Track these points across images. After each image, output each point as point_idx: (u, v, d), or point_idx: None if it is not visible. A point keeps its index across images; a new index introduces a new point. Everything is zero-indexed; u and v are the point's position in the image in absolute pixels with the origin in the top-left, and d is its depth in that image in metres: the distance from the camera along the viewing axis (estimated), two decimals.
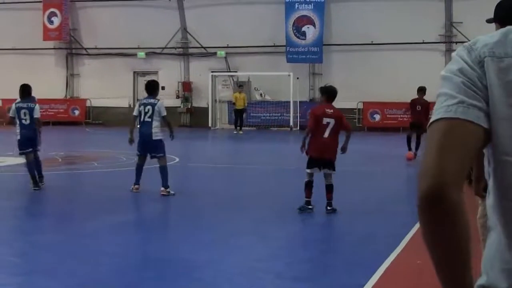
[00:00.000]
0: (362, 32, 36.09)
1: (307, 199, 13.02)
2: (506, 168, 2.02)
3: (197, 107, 40.00)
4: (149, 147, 15.22)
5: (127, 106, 40.65)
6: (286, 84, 37.08)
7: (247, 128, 36.85)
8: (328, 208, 12.91)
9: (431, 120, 2.01)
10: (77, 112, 41.65)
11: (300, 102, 37.42)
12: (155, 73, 40.25)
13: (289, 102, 37.33)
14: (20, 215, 13.45)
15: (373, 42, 36.33)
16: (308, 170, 12.98)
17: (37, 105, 16.73)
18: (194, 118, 39.98)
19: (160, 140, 15.23)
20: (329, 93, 13.34)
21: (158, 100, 15.56)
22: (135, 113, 15.57)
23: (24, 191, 16.11)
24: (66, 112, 41.48)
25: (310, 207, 12.98)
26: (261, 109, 38.40)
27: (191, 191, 16.78)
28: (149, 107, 15.22)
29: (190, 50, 40.37)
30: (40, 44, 41.48)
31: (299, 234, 11.57)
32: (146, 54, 40.42)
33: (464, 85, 2.01)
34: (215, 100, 39.82)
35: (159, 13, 39.51)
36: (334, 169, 13.03)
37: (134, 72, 41.35)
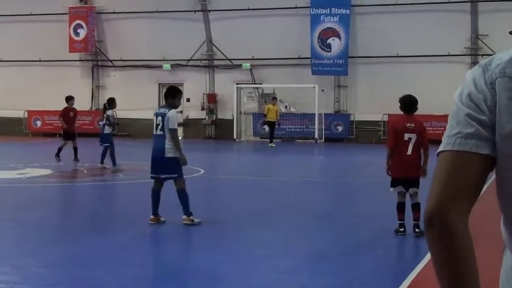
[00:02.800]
0: (387, 44, 36.00)
1: (400, 221, 11.92)
2: (510, 185, 2.12)
3: (222, 119, 40.03)
4: (161, 167, 12.90)
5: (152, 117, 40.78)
6: (311, 96, 37.02)
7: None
8: (416, 230, 11.73)
9: (439, 150, 2.15)
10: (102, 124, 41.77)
11: (325, 114, 37.36)
12: (181, 84, 40.22)
13: (314, 114, 37.25)
14: (45, 227, 13.48)
15: (399, 55, 36.22)
16: (392, 189, 11.95)
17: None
18: (219, 130, 40.01)
19: (175, 158, 12.77)
20: (407, 104, 12.12)
21: (170, 109, 13.04)
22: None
23: (49, 203, 16.18)
24: (92, 123, 41.62)
25: (402, 229, 11.87)
26: (286, 121, 38.31)
27: (216, 203, 16.79)
28: (160, 117, 12.97)
29: (215, 62, 40.44)
30: (66, 56, 41.72)
31: (324, 246, 11.51)
32: (172, 66, 40.52)
33: (468, 117, 2.11)
34: (240, 112, 39.82)
35: (184, 25, 39.63)
36: (418, 186, 11.81)
37: (159, 84, 41.46)
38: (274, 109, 35.12)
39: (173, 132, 12.85)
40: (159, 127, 12.86)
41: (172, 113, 12.92)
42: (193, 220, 12.83)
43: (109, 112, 23.22)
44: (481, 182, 2.11)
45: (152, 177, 13.17)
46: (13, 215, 14.69)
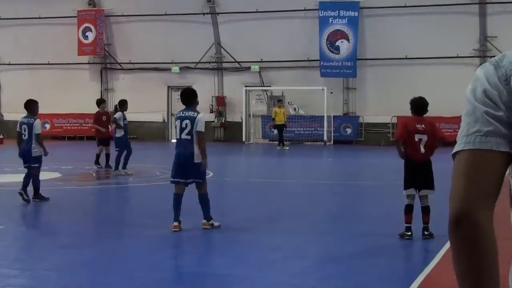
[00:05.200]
0: (396, 46, 35.96)
1: (407, 224, 11.84)
2: None
3: (231, 121, 40.04)
4: (188, 172, 12.60)
5: (161, 120, 40.87)
6: (319, 98, 36.99)
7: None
8: (425, 233, 11.72)
9: (455, 150, 2.13)
10: (111, 127, 41.81)
11: (334, 116, 37.32)
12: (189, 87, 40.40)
13: (323, 116, 37.22)
14: (54, 230, 13.51)
15: (407, 57, 36.18)
16: (405, 192, 11.91)
17: (37, 120, 16.39)
18: (228, 133, 40.02)
19: (201, 163, 12.59)
20: (418, 105, 12.18)
21: (199, 112, 12.98)
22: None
23: (58, 206, 16.19)
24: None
25: (409, 233, 11.78)
26: (295, 124, 38.29)
27: (226, 206, 16.79)
28: (187, 121, 12.69)
29: (224, 65, 40.44)
30: (75, 59, 41.80)
31: (332, 249, 11.51)
32: (180, 68, 40.56)
33: (486, 114, 2.09)
34: (249, 115, 39.81)
35: (193, 28, 39.65)
36: (433, 188, 11.85)
37: (168, 87, 41.51)
38: (282, 111, 35.11)
39: (202, 135, 12.69)
40: (186, 131, 12.58)
41: (202, 116, 12.88)
42: (212, 224, 12.75)
43: (116, 115, 22.46)
44: (502, 180, 2.10)
45: (175, 182, 12.77)
46: (22, 218, 14.73)
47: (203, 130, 12.67)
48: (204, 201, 12.73)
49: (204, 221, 12.75)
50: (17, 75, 42.85)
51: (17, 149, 16.91)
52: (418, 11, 35.79)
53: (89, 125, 41.35)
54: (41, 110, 36.95)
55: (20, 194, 16.08)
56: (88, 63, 42.82)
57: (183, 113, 12.86)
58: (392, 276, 9.76)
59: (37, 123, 16.33)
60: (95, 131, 25.00)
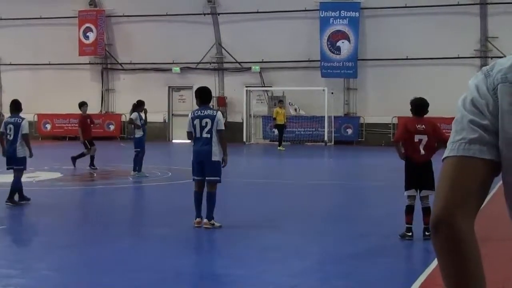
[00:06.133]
0: (396, 47, 35.97)
1: (407, 225, 11.84)
2: None
3: (232, 122, 39.99)
4: (206, 169, 12.76)
5: (162, 121, 40.86)
6: (320, 99, 36.99)
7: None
8: (426, 233, 11.61)
9: (443, 156, 2.18)
10: (112, 127, 41.85)
11: (334, 117, 37.33)
12: (190, 88, 40.35)
13: (324, 117, 37.23)
14: (55, 230, 13.51)
15: (408, 57, 36.18)
16: (406, 193, 11.90)
17: (25, 120, 15.97)
18: (229, 133, 39.57)
19: (219, 162, 12.84)
20: (418, 106, 12.18)
21: (217, 110, 13.25)
22: (188, 129, 13.06)
23: (59, 206, 16.20)
24: (101, 127, 41.66)
25: (409, 234, 11.78)
26: (296, 124, 38.30)
27: (227, 206, 16.78)
28: (207, 119, 12.73)
29: (225, 65, 40.45)
30: (76, 59, 41.82)
31: (333, 249, 11.51)
32: (181, 69, 40.57)
33: (471, 123, 2.13)
34: (250, 115, 39.82)
35: (193, 28, 39.65)
36: (434, 189, 11.35)
37: (169, 87, 41.52)
38: (282, 112, 35.14)
39: (222, 133, 12.92)
40: (206, 129, 12.68)
41: (220, 114, 13.05)
42: (213, 224, 12.76)
43: (133, 115, 22.19)
44: (486, 187, 2.13)
45: (196, 180, 12.93)
46: (23, 218, 14.74)
47: (223, 128, 12.93)
48: (211, 200, 12.78)
49: (206, 220, 12.75)
50: (18, 75, 42.87)
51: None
52: (419, 11, 35.80)
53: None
54: (42, 110, 37.08)
55: (19, 200, 15.80)
56: (89, 63, 42.84)
57: (201, 112, 12.87)
58: (393, 277, 9.76)
59: (25, 123, 15.90)
60: (84, 133, 24.37)
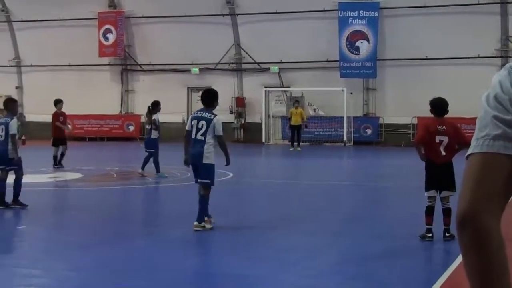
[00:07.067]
0: (416, 47, 35.88)
1: (428, 226, 11.75)
2: None
3: (251, 122, 40.05)
4: (198, 172, 12.85)
5: (181, 121, 40.88)
6: (339, 99, 36.96)
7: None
8: (446, 234, 11.61)
9: (467, 153, 2.16)
10: (131, 128, 41.98)
11: (353, 117, 37.30)
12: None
13: (343, 117, 37.19)
14: (76, 230, 13.56)
15: (427, 57, 36.08)
16: (426, 194, 11.84)
17: (13, 120, 15.49)
18: (248, 134, 40.03)
19: (211, 165, 12.76)
20: (438, 106, 12.11)
21: (215, 114, 12.98)
22: (188, 127, 13.08)
23: (79, 206, 16.26)
24: (121, 127, 41.85)
25: (430, 235, 11.70)
26: (315, 125, 38.28)
27: (245, 206, 16.80)
28: (203, 122, 12.73)
29: (244, 66, 40.48)
30: (96, 61, 42.01)
31: (352, 251, 11.48)
32: (200, 70, 40.65)
33: (495, 118, 2.12)
34: (269, 116, 39.82)
35: (212, 29, 39.71)
36: (454, 190, 11.61)
37: (188, 88, 41.60)
38: (298, 112, 35.03)
39: (222, 138, 12.88)
40: (201, 131, 12.69)
41: (218, 118, 12.94)
42: (204, 227, 12.65)
43: (155, 116, 22.15)
44: (511, 183, 2.11)
45: (196, 182, 13.00)
46: (44, 218, 14.79)
47: (222, 133, 12.82)
48: (202, 203, 12.70)
49: (196, 223, 12.63)
50: (38, 76, 43.13)
51: None
52: (438, 11, 35.68)
53: (110, 126, 41.73)
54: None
55: (17, 204, 15.49)
56: (109, 64, 43.01)
57: (200, 114, 12.97)
58: (413, 278, 9.73)
59: (13, 122, 15.38)
60: (54, 130, 24.93)
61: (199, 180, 12.81)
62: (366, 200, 18.47)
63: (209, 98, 13.32)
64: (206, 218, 12.77)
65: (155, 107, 22.44)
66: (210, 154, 12.69)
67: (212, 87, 39.54)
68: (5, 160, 15.43)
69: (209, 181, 12.76)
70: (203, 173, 12.69)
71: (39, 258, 10.92)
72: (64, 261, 10.61)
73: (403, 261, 10.73)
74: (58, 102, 25.47)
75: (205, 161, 12.61)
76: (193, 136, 12.77)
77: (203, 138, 12.65)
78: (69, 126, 24.75)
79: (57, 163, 24.14)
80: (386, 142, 37.08)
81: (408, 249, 11.50)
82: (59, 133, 24.83)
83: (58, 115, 25.20)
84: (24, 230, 13.77)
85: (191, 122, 12.91)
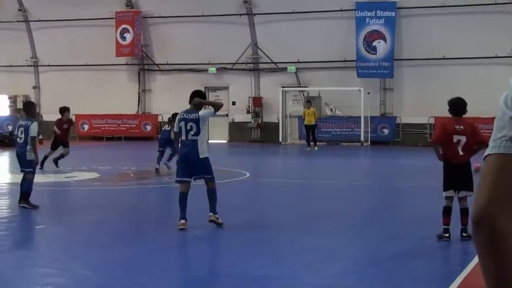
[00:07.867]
0: (433, 46, 35.76)
1: (445, 226, 11.74)
2: None
3: (268, 122, 40.02)
4: (197, 169, 12.94)
5: None
6: (356, 99, 36.88)
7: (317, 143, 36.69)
8: (464, 234, 11.57)
9: (485, 154, 2.15)
10: (149, 128, 42.03)
11: (370, 117, 37.20)
12: (226, 88, 40.53)
13: (360, 117, 37.09)
14: (93, 230, 13.59)
15: (445, 57, 35.95)
16: (444, 194, 11.81)
17: (34, 123, 15.55)
18: (265, 133, 40.01)
19: (207, 159, 13.01)
20: (456, 106, 12.04)
21: (198, 111, 13.27)
22: (176, 129, 13.57)
23: (96, 206, 16.31)
24: (138, 127, 41.90)
25: (447, 235, 11.69)
26: (332, 124, 38.22)
27: (262, 206, 16.80)
28: (191, 123, 12.97)
29: (261, 66, 40.45)
30: (113, 60, 42.08)
31: (370, 251, 11.46)
32: (217, 69, 40.64)
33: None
34: (286, 115, 39.77)
35: (229, 29, 39.73)
36: (472, 190, 11.44)
37: (205, 88, 41.62)
38: (311, 112, 34.92)
39: (213, 109, 13.34)
40: (192, 132, 12.92)
41: (204, 111, 13.33)
42: (217, 218, 12.88)
43: (176, 129, 22.36)
44: None
45: (182, 181, 13.05)
46: (61, 218, 14.85)
47: (212, 111, 13.29)
48: (212, 196, 12.97)
49: (211, 213, 12.88)
50: (55, 76, 43.25)
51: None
52: (455, 10, 35.53)
53: (127, 125, 41.81)
54: (79, 111, 37.30)
55: (23, 206, 15.38)
56: (126, 64, 43.07)
57: (186, 115, 13.18)
58: (430, 278, 9.70)
59: (34, 125, 15.46)
60: (59, 135, 24.58)
61: (200, 176, 13.03)
62: (383, 200, 18.44)
63: (193, 99, 13.52)
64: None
65: (175, 117, 22.57)
66: (205, 149, 12.96)
67: (229, 87, 39.75)
68: (23, 162, 15.50)
69: (210, 175, 12.99)
70: (203, 168, 12.93)
71: (57, 258, 10.97)
72: (81, 260, 10.64)
73: (420, 261, 10.71)
74: (65, 111, 24.89)
75: (201, 156, 12.84)
76: (184, 138, 12.99)
77: (196, 137, 12.90)
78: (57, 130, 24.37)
79: (55, 163, 23.81)
80: (403, 142, 36.95)
81: (425, 249, 11.48)
82: (64, 137, 24.59)
83: (63, 123, 24.68)
84: (42, 230, 13.83)
85: (179, 124, 13.10)
